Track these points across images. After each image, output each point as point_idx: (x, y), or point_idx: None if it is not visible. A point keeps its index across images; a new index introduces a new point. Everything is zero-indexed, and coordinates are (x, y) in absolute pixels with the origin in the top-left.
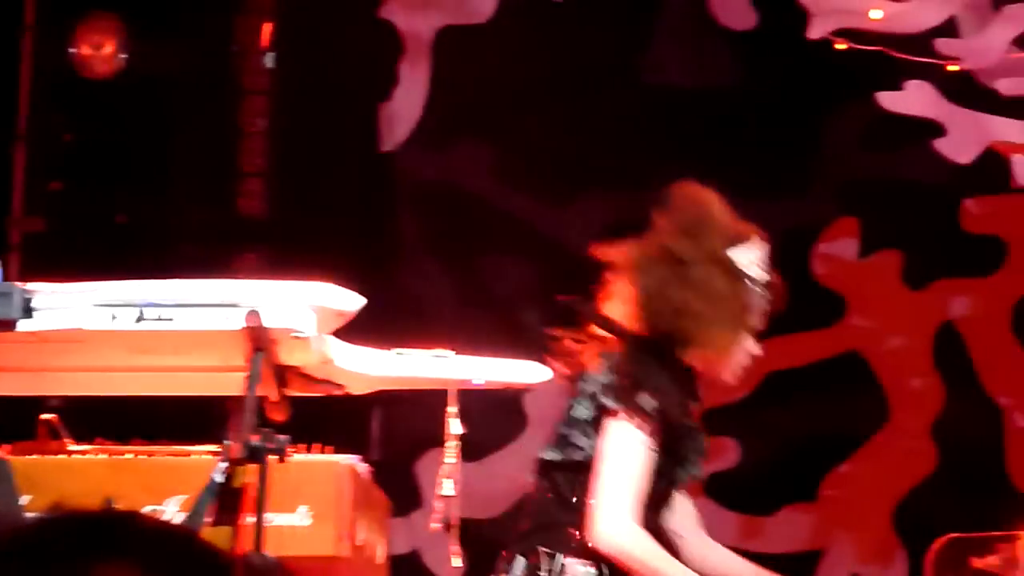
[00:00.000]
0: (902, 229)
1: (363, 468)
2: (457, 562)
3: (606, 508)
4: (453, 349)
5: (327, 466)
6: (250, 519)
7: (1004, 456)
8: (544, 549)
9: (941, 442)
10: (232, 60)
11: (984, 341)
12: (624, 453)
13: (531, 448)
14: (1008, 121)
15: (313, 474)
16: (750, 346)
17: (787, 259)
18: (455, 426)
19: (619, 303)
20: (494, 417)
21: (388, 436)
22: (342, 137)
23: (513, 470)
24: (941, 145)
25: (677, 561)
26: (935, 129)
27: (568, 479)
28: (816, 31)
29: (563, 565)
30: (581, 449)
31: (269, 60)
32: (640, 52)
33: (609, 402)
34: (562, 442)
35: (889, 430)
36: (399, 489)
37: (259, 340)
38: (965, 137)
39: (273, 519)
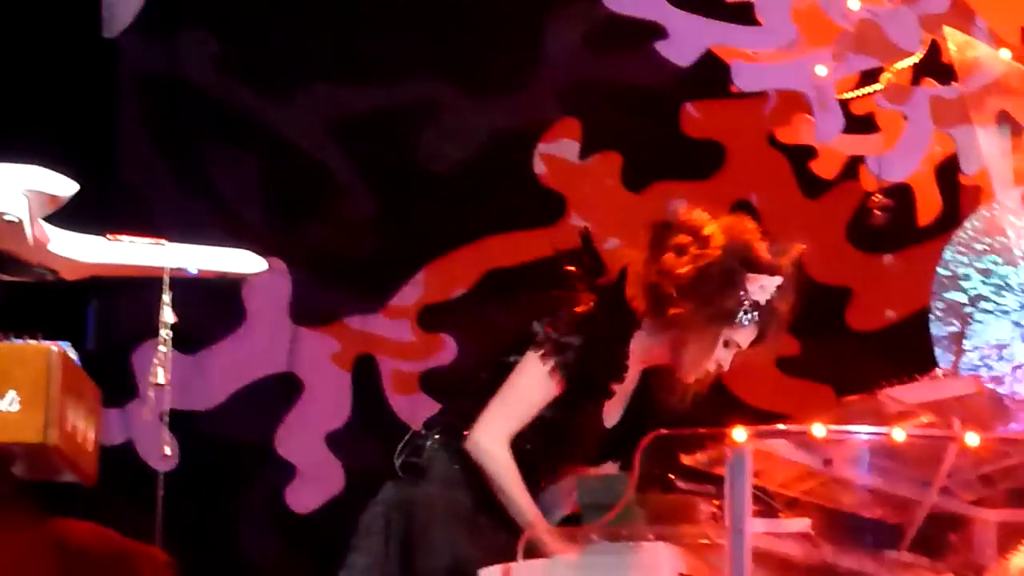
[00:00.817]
0: (622, 131)
1: (74, 355)
2: (168, 451)
3: (485, 421)
4: (169, 239)
5: (37, 352)
6: None
7: None
8: (443, 434)
9: None
10: None
11: None
12: (524, 378)
13: (249, 340)
14: (729, 26)
15: (22, 359)
16: (717, 358)
17: (508, 158)
18: (168, 315)
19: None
20: (212, 310)
21: (105, 326)
22: (61, 21)
23: (230, 363)
24: (663, 48)
25: (523, 488)
26: (657, 31)
27: (494, 382)
28: None
29: (437, 450)
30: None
31: None
32: None
33: (539, 330)
34: (516, 351)
35: None
36: (115, 380)
37: None
38: (686, 40)
39: None
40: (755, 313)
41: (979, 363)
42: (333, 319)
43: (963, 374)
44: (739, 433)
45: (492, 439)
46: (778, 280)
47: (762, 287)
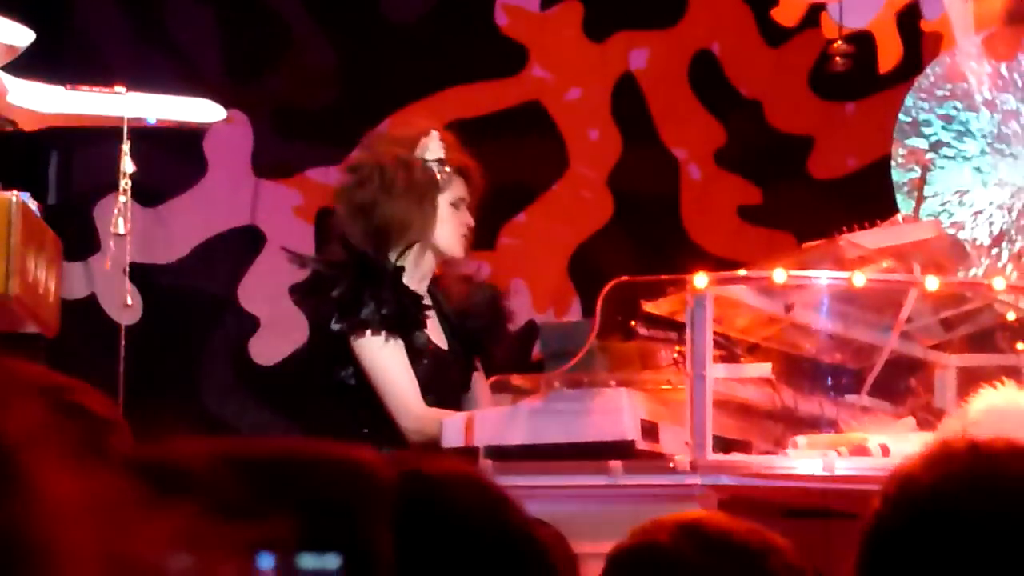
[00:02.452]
0: None
1: (34, 206)
2: (129, 301)
3: (396, 414)
4: (128, 89)
5: None
6: None
7: (679, 207)
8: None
9: (617, 192)
10: None
11: (662, 94)
12: (378, 365)
13: (211, 193)
14: None
15: None
16: (458, 221)
17: (469, 8)
18: (127, 164)
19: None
20: (173, 163)
21: (66, 180)
22: None
23: (192, 216)
24: None
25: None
26: None
27: (359, 387)
28: None
29: None
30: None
31: None
32: None
33: (338, 325)
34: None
35: (567, 180)
36: (77, 233)
37: None
38: None
39: None
40: (446, 168)
41: (940, 209)
42: (295, 171)
43: (923, 220)
44: (700, 279)
45: (414, 418)
46: (435, 134)
47: (430, 147)
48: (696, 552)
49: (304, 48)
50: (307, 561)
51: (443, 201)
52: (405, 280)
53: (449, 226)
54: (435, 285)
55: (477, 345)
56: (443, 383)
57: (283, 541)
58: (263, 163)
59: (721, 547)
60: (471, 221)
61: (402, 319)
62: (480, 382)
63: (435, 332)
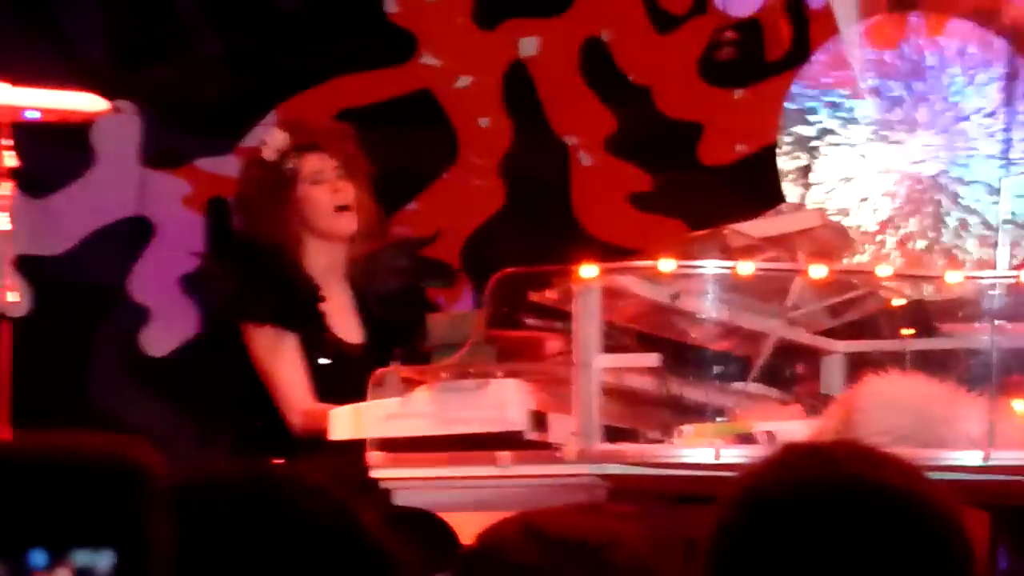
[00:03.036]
0: None
1: None
2: (16, 296)
3: (285, 408)
4: (12, 82)
5: None
6: None
7: (570, 194)
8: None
9: (509, 180)
10: None
11: (552, 81)
12: (265, 356)
13: (98, 184)
14: None
15: None
16: (325, 195)
17: None
18: (9, 159)
19: None
20: (60, 154)
21: None
22: None
23: (80, 207)
24: None
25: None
26: None
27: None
28: None
29: None
30: None
31: None
32: None
33: (233, 319)
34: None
35: (458, 168)
36: None
37: None
38: None
39: None
40: (289, 154)
41: (826, 196)
42: (184, 161)
43: (809, 208)
44: (587, 269)
45: (299, 412)
46: (274, 130)
47: (268, 144)
48: (538, 553)
49: (192, 37)
50: (80, 557)
51: (302, 186)
52: (310, 270)
53: (320, 205)
54: (353, 271)
55: (398, 337)
56: (347, 377)
57: (53, 538)
58: (151, 153)
59: (562, 545)
60: (344, 187)
61: (294, 312)
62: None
63: (345, 325)
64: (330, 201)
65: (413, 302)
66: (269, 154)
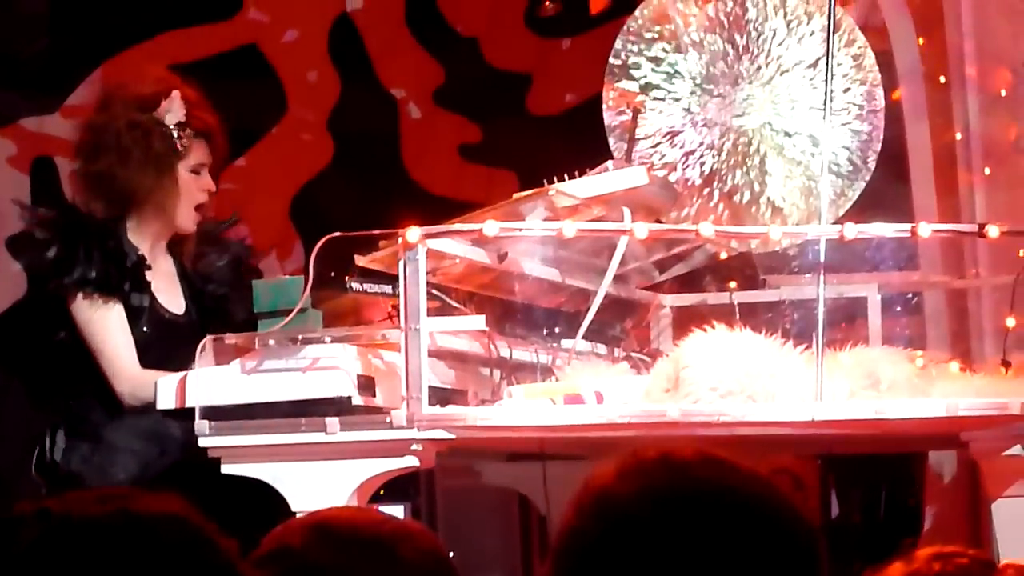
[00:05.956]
0: None
1: None
2: None
3: (114, 379)
4: None
5: None
6: None
7: (399, 147)
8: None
9: (337, 134)
10: None
11: (379, 34)
12: (93, 327)
13: None
14: None
15: None
16: (197, 188)
17: None
18: None
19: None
20: None
21: None
22: None
23: None
24: None
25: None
26: None
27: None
28: None
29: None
30: None
31: None
32: None
33: (56, 287)
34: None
35: (286, 123)
36: None
37: None
38: None
39: None
40: (185, 131)
41: (652, 150)
42: (8, 121)
43: (635, 163)
44: (412, 233)
45: (125, 380)
46: (176, 93)
47: (171, 110)
48: (327, 552)
49: None
50: None
51: (182, 169)
52: (135, 241)
53: (187, 195)
54: (177, 245)
55: (218, 311)
56: (170, 348)
57: None
58: None
59: (352, 544)
60: (212, 186)
61: (119, 281)
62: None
63: (168, 294)
64: (200, 191)
65: (234, 277)
66: (164, 118)
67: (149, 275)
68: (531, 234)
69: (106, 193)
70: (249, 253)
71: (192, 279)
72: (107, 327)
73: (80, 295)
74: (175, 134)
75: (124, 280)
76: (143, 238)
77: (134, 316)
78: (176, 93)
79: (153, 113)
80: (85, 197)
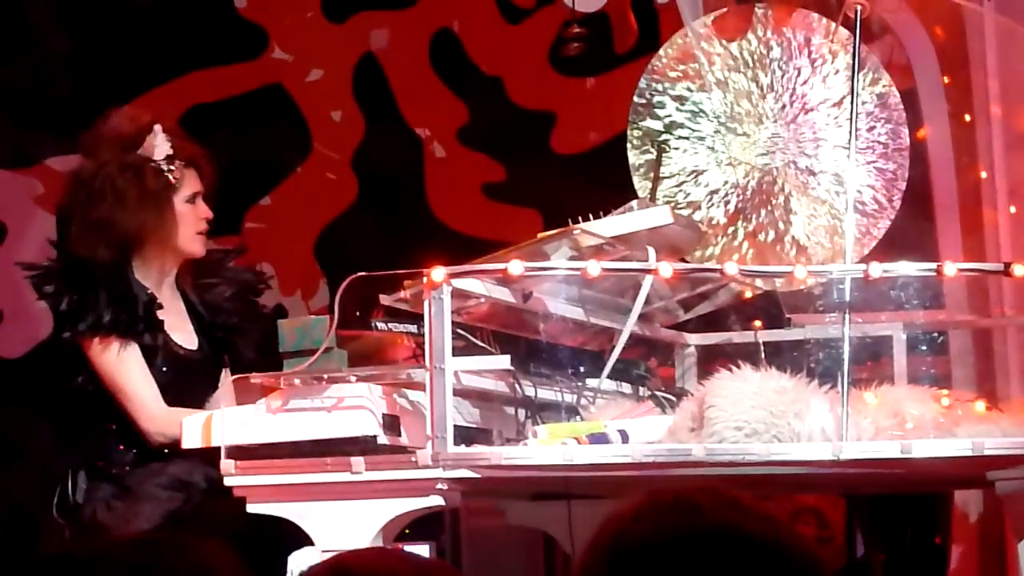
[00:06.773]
0: None
1: None
2: None
3: (138, 420)
4: None
5: None
6: None
7: (424, 186)
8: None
9: (361, 173)
10: None
11: (403, 73)
12: (115, 370)
13: None
14: None
15: None
16: (195, 217)
17: None
18: None
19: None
20: None
21: None
22: None
23: None
24: None
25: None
26: None
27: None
28: None
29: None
30: None
31: None
32: None
33: (71, 335)
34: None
35: (311, 162)
36: None
37: None
38: None
39: None
40: (175, 163)
41: (676, 189)
42: (35, 161)
43: (660, 202)
44: (437, 273)
45: (151, 419)
46: (158, 127)
47: (156, 145)
48: None
49: (41, 34)
50: None
51: (178, 200)
52: (142, 280)
53: (188, 226)
54: (184, 280)
55: (227, 343)
56: (185, 384)
57: None
58: (1, 153)
59: None
60: (208, 213)
61: (132, 322)
62: (227, 380)
63: (181, 332)
64: (199, 220)
65: (240, 309)
66: (152, 154)
67: (161, 314)
68: (556, 274)
69: (108, 238)
70: (258, 279)
71: (201, 312)
72: (127, 368)
73: (96, 340)
74: (165, 168)
75: (137, 321)
76: (148, 274)
77: (150, 355)
78: (158, 127)
79: (139, 151)
80: (88, 244)
